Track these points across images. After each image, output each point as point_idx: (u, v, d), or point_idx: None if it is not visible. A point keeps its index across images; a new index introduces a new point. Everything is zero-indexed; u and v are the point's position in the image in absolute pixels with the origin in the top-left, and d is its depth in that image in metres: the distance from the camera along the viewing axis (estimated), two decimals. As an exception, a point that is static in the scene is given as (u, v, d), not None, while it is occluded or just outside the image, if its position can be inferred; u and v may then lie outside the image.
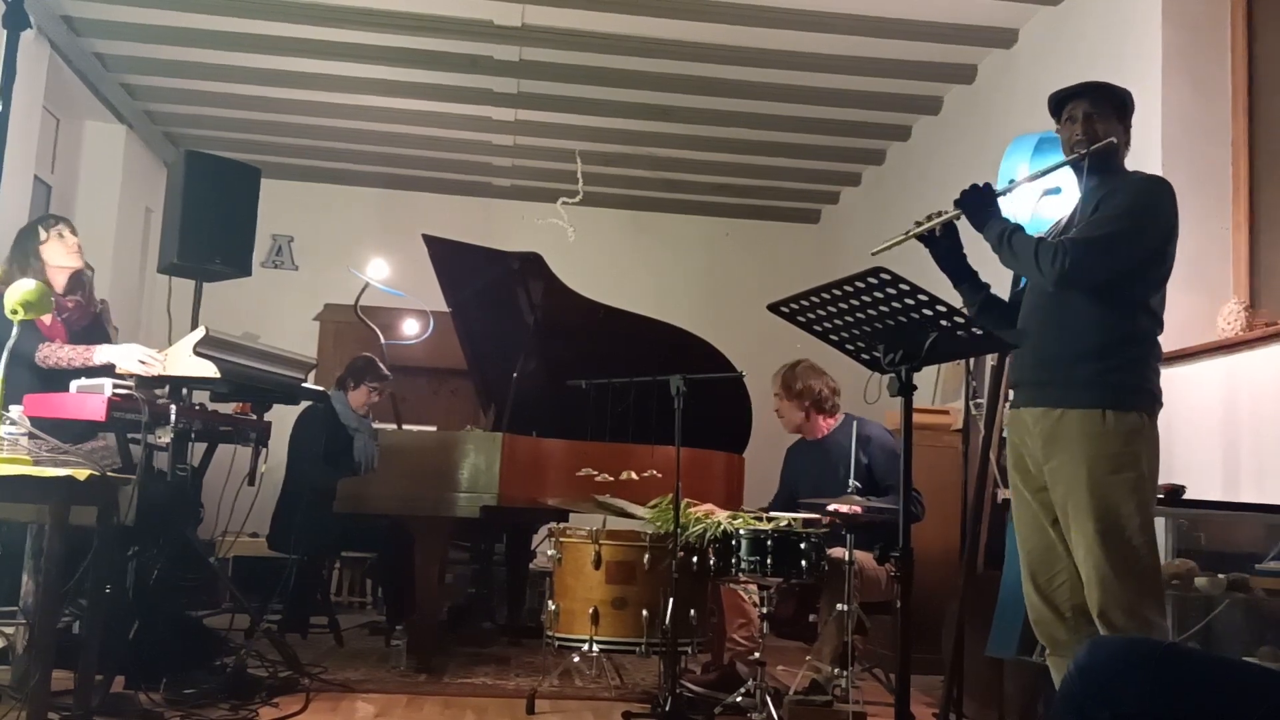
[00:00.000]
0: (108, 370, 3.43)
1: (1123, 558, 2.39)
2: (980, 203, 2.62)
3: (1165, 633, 2.46)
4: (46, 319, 3.62)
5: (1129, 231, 2.48)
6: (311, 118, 6.55)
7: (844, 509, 3.66)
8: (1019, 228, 2.61)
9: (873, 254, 2.56)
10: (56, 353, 3.52)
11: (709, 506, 3.99)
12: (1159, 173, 3.37)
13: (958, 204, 2.63)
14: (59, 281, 3.72)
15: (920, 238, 2.64)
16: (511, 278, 4.54)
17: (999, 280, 2.89)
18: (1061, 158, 2.70)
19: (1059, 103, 2.68)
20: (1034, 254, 2.50)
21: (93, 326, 3.78)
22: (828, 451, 4.12)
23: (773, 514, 3.73)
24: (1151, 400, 2.52)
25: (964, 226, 2.69)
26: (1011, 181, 2.87)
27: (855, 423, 4.05)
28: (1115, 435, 2.44)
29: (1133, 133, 2.71)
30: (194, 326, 3.92)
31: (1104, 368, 2.48)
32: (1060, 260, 2.45)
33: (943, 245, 2.69)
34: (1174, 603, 3.10)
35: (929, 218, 2.65)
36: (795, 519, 3.60)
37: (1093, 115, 2.60)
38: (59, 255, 3.71)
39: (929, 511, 3.97)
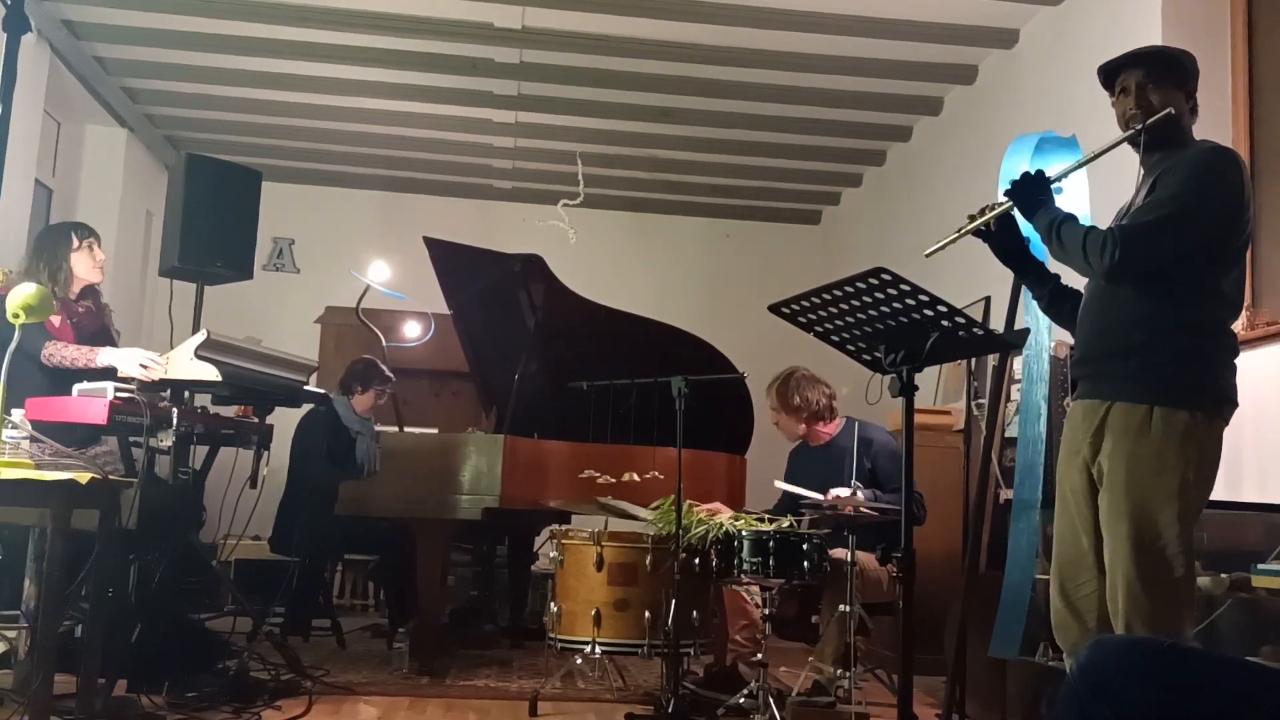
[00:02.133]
0: (110, 373, 3.43)
1: (1154, 569, 2.23)
2: (1031, 191, 2.44)
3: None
4: (56, 320, 3.66)
5: (1183, 214, 2.27)
6: (312, 120, 6.55)
7: (844, 493, 3.66)
8: (1070, 217, 2.41)
9: (926, 255, 2.44)
10: (61, 351, 3.53)
11: (715, 505, 3.99)
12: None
13: (1008, 193, 2.46)
14: (75, 289, 3.77)
15: (977, 233, 2.50)
16: (512, 280, 4.55)
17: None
18: (1061, 154, 2.66)
19: (1109, 75, 2.48)
20: (1082, 245, 2.32)
21: (100, 333, 3.81)
22: (830, 455, 4.11)
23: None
24: (1213, 398, 2.31)
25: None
26: (1067, 169, 2.61)
27: (857, 425, 4.05)
28: (1161, 434, 2.25)
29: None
30: (195, 330, 3.92)
31: (1155, 360, 2.30)
32: (1110, 252, 2.27)
33: (1000, 239, 2.53)
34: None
35: (982, 211, 2.49)
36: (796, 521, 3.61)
37: (1146, 85, 2.40)
38: (84, 267, 3.76)
39: (931, 512, 3.97)
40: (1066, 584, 2.44)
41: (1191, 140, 2.45)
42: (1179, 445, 2.26)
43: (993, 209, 2.48)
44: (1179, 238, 2.29)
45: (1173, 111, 2.38)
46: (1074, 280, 2.62)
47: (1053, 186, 2.55)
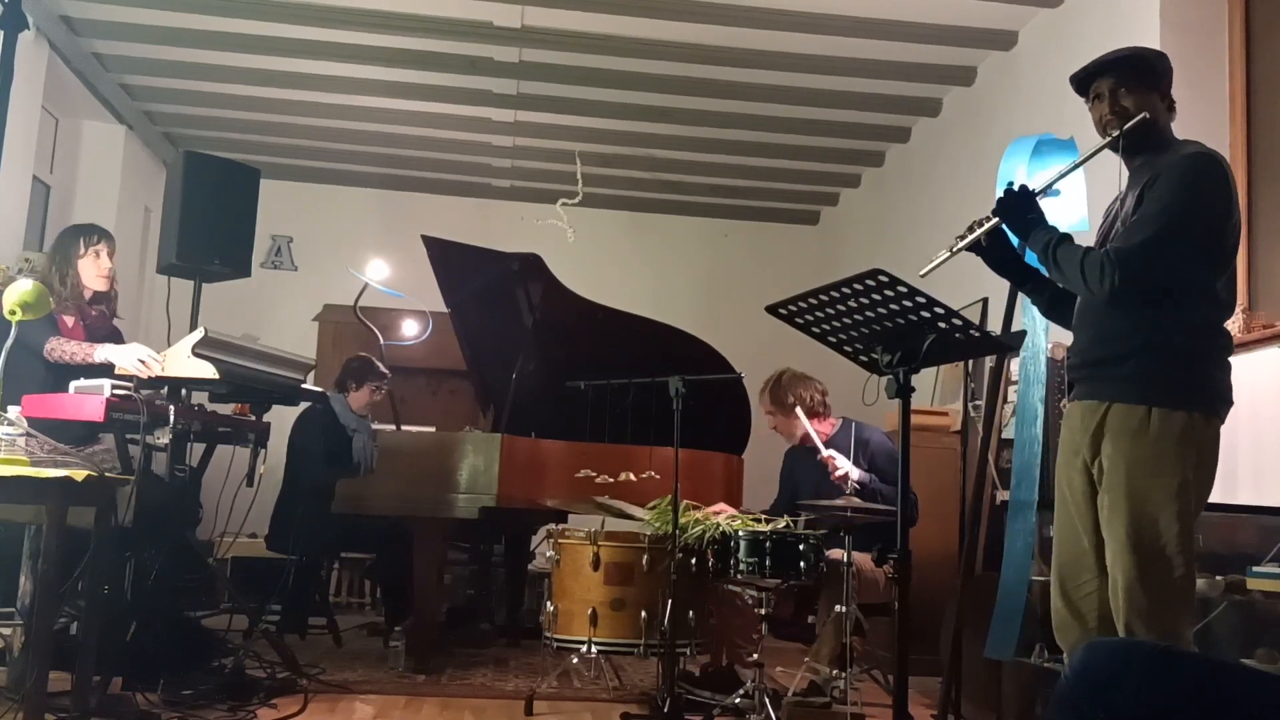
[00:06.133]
0: (107, 370, 3.44)
1: (1154, 569, 2.24)
2: (1020, 208, 2.46)
3: (1189, 647, 2.31)
4: (69, 321, 3.70)
5: (1175, 226, 2.29)
6: (311, 118, 6.55)
7: (840, 461, 3.74)
8: (1065, 237, 2.42)
9: (921, 275, 2.43)
10: (62, 346, 3.56)
11: (719, 506, 3.98)
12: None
13: (995, 212, 2.47)
14: (85, 293, 3.80)
15: (969, 248, 2.51)
16: (510, 279, 4.55)
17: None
18: (1059, 155, 2.67)
19: (1082, 82, 2.51)
20: (1080, 269, 2.34)
21: (111, 338, 3.82)
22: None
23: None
24: (1210, 398, 2.33)
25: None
26: (1054, 179, 2.63)
27: (854, 426, 4.05)
28: (1159, 435, 2.27)
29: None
30: (193, 327, 3.92)
31: (1154, 361, 2.31)
32: (1110, 276, 2.28)
33: (993, 252, 2.55)
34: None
35: (970, 228, 2.50)
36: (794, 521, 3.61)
37: (1118, 91, 2.43)
38: (90, 274, 3.79)
39: (927, 513, 3.97)
40: (1067, 584, 2.44)
41: (1174, 140, 2.47)
42: (1177, 446, 2.28)
43: (981, 225, 2.49)
44: (1174, 251, 2.31)
45: (1147, 116, 2.41)
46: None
47: (1049, 190, 2.57)
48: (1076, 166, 2.61)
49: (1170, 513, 2.26)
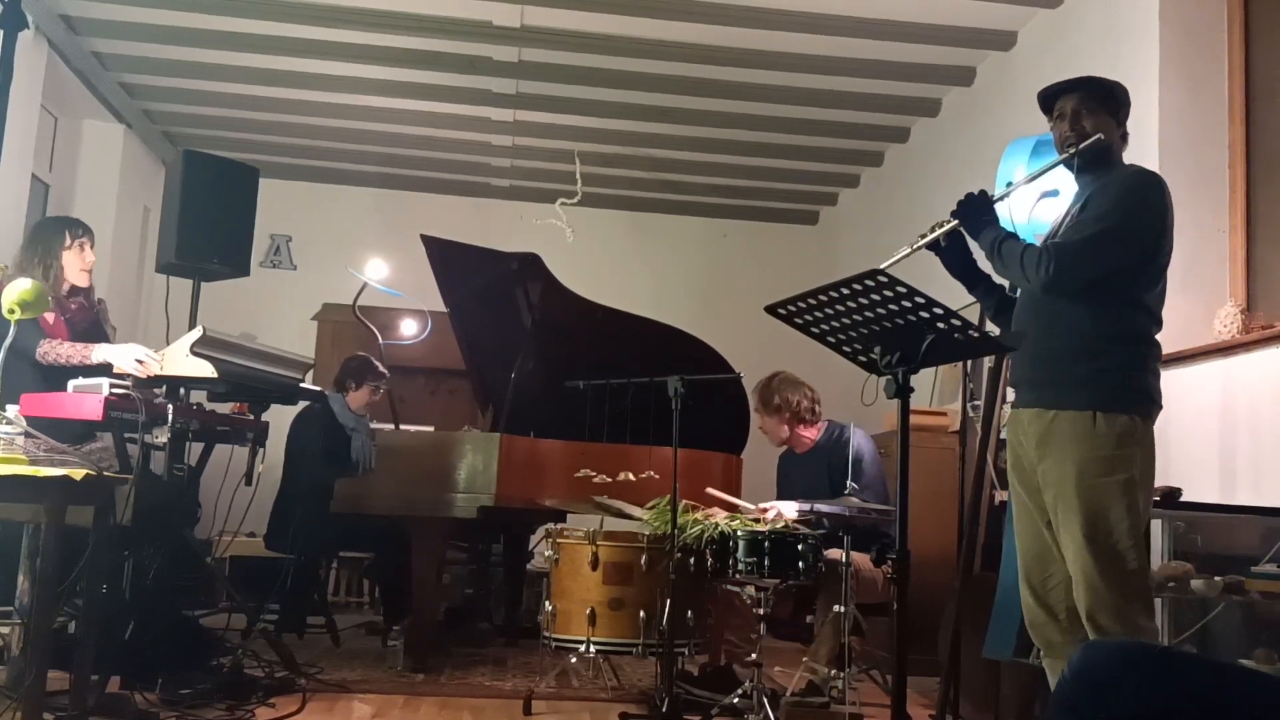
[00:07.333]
0: (105, 370, 3.43)
1: (1109, 561, 2.39)
2: (976, 210, 2.62)
3: (1154, 635, 2.46)
4: (50, 317, 3.67)
5: (1114, 230, 2.46)
6: (310, 118, 6.55)
7: (783, 507, 3.73)
8: (1010, 235, 2.61)
9: (883, 269, 2.55)
10: (56, 349, 3.54)
11: (714, 510, 3.98)
12: (1156, 175, 3.36)
13: (954, 213, 2.63)
14: (64, 286, 3.76)
15: (928, 247, 2.65)
16: (510, 278, 4.54)
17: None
18: (1055, 157, 2.71)
19: (1048, 99, 2.66)
20: (1020, 260, 2.51)
21: (94, 329, 3.81)
22: (816, 460, 4.12)
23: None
24: (1147, 402, 2.50)
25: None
26: (1009, 185, 2.88)
27: (839, 430, 4.07)
28: (1106, 437, 2.43)
29: (1131, 136, 2.69)
30: (192, 326, 3.92)
31: (1096, 368, 2.47)
32: (1044, 266, 2.45)
33: (951, 253, 2.69)
34: (1170, 605, 3.11)
35: (932, 228, 2.65)
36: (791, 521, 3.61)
37: (1081, 111, 2.58)
38: (73, 269, 3.77)
39: (926, 513, 3.97)
40: (1034, 580, 2.58)
41: (1120, 164, 2.62)
42: (1121, 447, 2.43)
43: (941, 226, 2.64)
44: (1108, 253, 2.46)
45: (1103, 137, 2.55)
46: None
47: (1047, 192, 2.65)
48: (1032, 179, 2.77)
49: (1121, 508, 2.41)
